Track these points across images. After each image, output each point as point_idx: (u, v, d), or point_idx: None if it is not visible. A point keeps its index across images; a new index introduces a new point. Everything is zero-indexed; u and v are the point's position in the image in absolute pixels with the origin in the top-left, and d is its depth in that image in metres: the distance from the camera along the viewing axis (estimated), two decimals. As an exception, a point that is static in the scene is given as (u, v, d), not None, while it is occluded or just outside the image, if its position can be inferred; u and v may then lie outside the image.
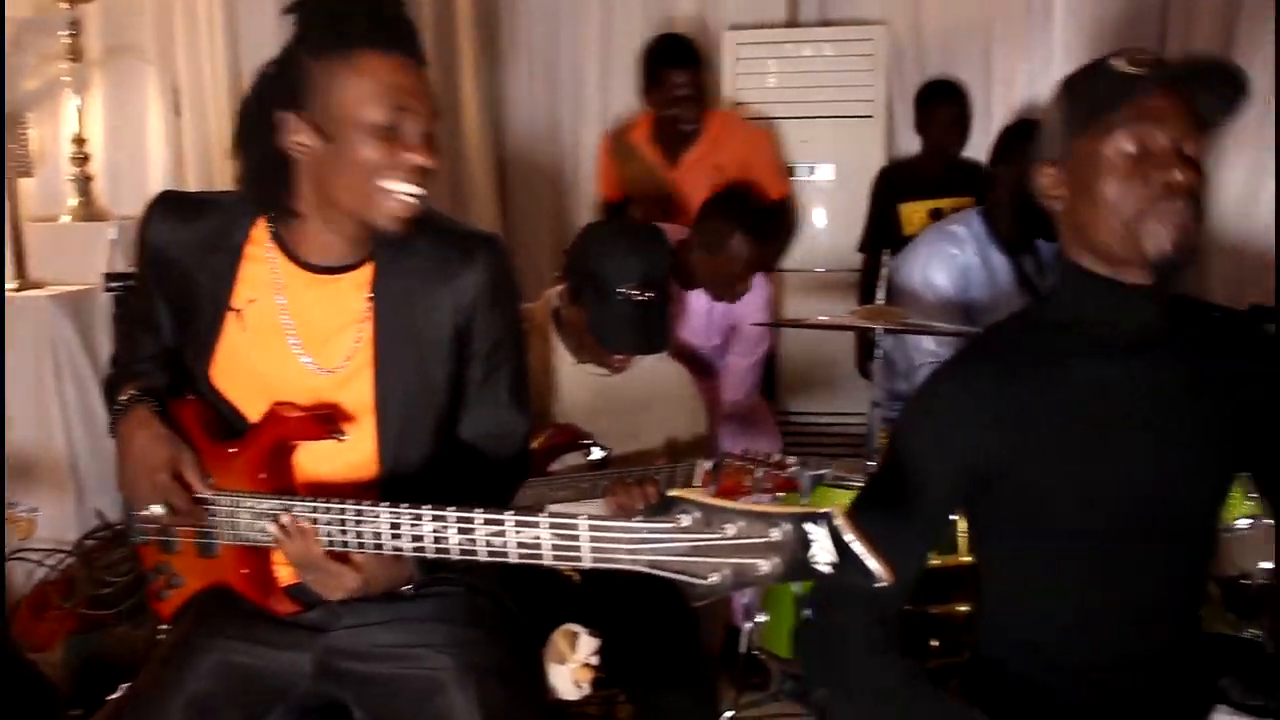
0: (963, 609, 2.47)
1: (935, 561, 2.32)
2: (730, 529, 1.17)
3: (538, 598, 1.83)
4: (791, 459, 1.74)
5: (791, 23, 4.26)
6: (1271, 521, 2.23)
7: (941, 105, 3.79)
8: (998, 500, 1.43)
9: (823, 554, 1.12)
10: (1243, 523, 2.24)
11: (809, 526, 1.12)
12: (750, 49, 4.13)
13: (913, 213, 3.73)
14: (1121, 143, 1.34)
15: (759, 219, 3.00)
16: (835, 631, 1.43)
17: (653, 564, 1.21)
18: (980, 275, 3.04)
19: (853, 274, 4.00)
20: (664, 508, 1.20)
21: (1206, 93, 1.37)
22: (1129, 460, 1.39)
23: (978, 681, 1.54)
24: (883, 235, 3.75)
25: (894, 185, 3.88)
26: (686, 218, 3.32)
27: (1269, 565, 2.47)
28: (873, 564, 1.09)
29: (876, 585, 1.07)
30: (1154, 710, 1.45)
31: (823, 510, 1.13)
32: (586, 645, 1.79)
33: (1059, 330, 1.43)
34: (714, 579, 1.18)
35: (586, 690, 1.79)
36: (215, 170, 3.85)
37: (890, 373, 3.00)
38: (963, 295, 3.01)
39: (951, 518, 1.50)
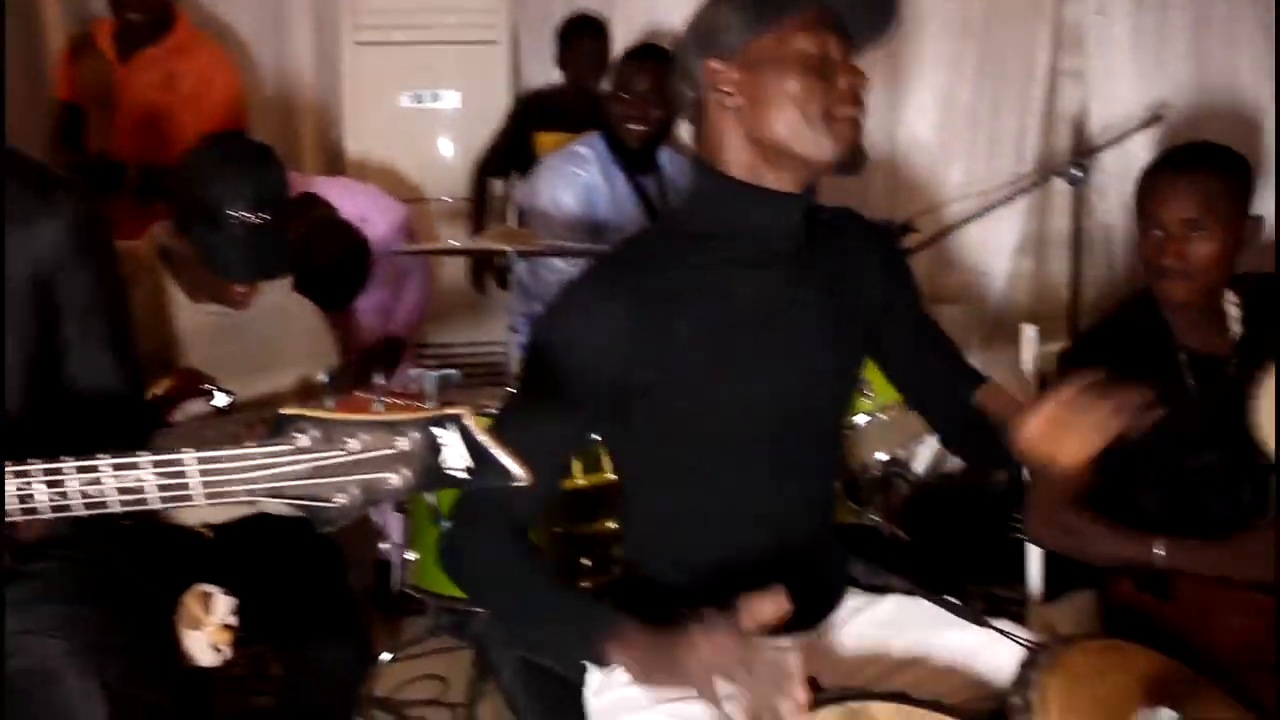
0: (612, 526, 2.52)
1: (581, 481, 2.34)
2: (353, 443, 1.07)
3: (162, 560, 1.69)
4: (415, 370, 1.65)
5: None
6: (886, 417, 2.44)
7: (582, 39, 3.79)
8: (639, 411, 1.42)
9: (456, 459, 1.05)
10: (861, 419, 2.41)
11: (438, 431, 1.05)
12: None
13: (548, 142, 3.71)
14: (804, 43, 1.35)
15: None
16: (472, 544, 1.39)
17: (272, 491, 1.09)
18: (604, 195, 3.10)
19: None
20: (278, 429, 1.08)
21: (858, 15, 1.40)
22: (768, 367, 1.42)
23: (629, 595, 1.54)
24: (514, 160, 3.72)
25: (532, 113, 3.85)
26: (127, 119, 3.20)
27: (884, 456, 2.70)
28: (509, 463, 1.03)
29: (515, 484, 1.02)
30: (798, 603, 1.50)
31: (451, 412, 1.06)
32: (222, 605, 1.65)
33: (696, 240, 1.42)
34: (341, 500, 1.09)
35: (227, 653, 1.65)
36: None
37: (526, 298, 2.98)
38: (589, 215, 3.06)
39: (593, 435, 1.48)
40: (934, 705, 1.20)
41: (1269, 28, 3.00)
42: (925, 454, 3.48)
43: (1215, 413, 1.90)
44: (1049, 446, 1.36)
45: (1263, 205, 2.72)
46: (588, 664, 1.40)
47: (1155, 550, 1.83)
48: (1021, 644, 1.38)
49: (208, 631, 1.64)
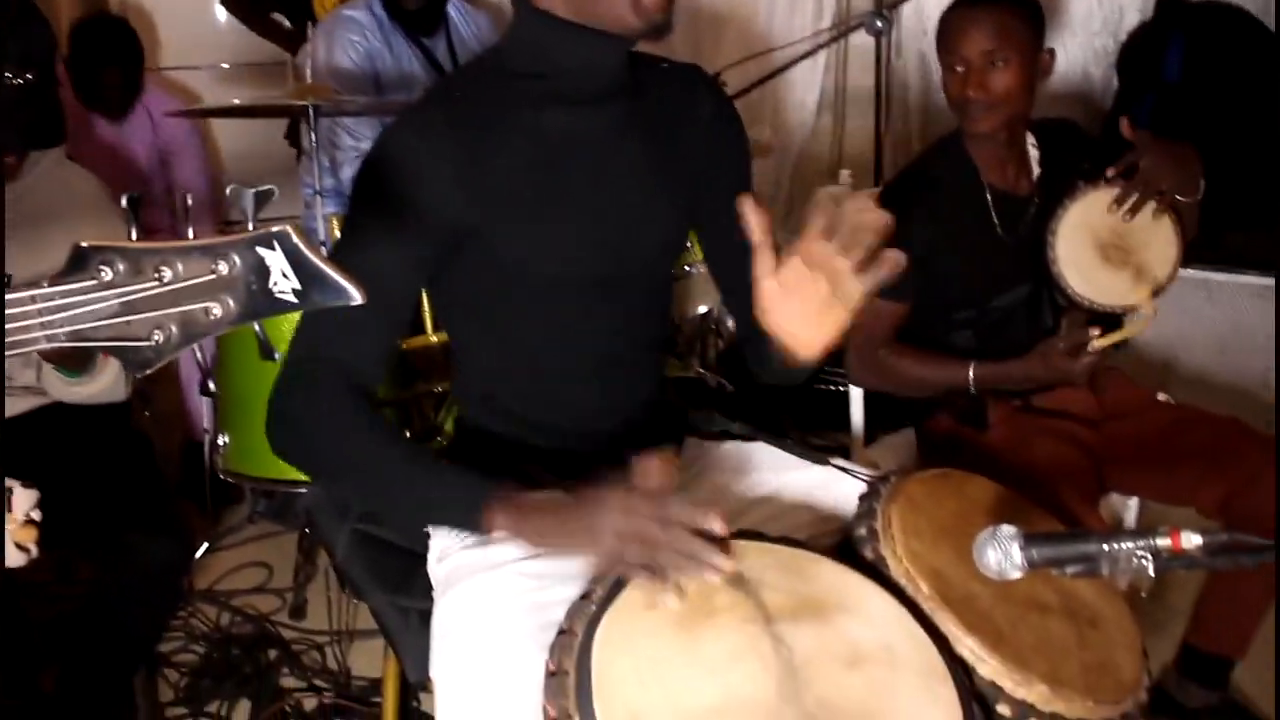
0: (437, 390, 2.47)
1: (403, 346, 2.28)
2: (167, 272, 0.96)
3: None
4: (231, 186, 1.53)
5: None
6: (701, 270, 2.44)
7: None
8: (463, 258, 1.36)
9: (284, 281, 0.97)
10: (679, 271, 2.41)
11: (263, 251, 0.95)
12: None
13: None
14: None
15: None
16: (312, 412, 1.28)
17: (75, 335, 0.98)
18: (387, 60, 2.93)
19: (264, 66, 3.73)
20: (77, 264, 0.98)
21: None
22: (592, 210, 1.38)
23: (464, 451, 1.50)
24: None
25: None
26: None
27: (705, 308, 2.73)
28: (342, 280, 0.96)
29: (352, 303, 0.95)
30: (634, 452, 1.50)
31: (275, 230, 0.97)
32: (23, 500, 1.50)
33: (518, 78, 1.36)
34: (158, 337, 0.98)
35: (34, 552, 1.52)
36: None
37: (317, 167, 2.83)
38: (372, 74, 2.90)
39: (420, 288, 1.40)
40: (785, 540, 1.21)
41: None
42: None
43: (1019, 251, 1.99)
44: (786, 325, 1.24)
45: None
46: (463, 530, 1.31)
47: (970, 372, 1.91)
48: (861, 478, 1.41)
49: (10, 530, 1.51)
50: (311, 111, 2.28)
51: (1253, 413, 2.85)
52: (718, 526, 1.06)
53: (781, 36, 3.35)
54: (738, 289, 1.55)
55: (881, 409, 2.23)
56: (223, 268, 0.96)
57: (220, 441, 2.58)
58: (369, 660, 2.27)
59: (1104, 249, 1.89)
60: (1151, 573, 0.97)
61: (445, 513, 1.21)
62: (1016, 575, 1.04)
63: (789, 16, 3.41)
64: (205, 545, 2.75)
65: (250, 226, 0.99)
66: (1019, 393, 1.99)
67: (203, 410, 2.67)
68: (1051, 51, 1.96)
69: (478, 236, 1.32)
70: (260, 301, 0.98)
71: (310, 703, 2.20)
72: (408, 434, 2.46)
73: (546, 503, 1.13)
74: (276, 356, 2.16)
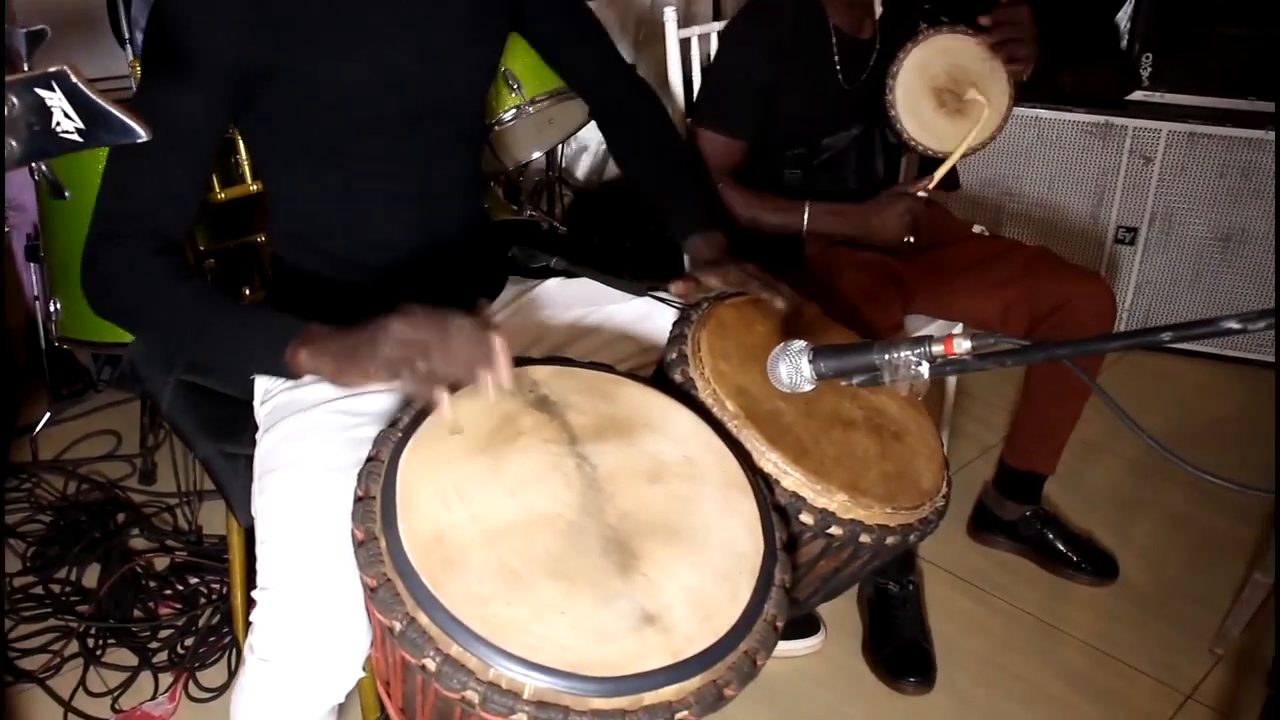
0: (260, 239, 2.42)
1: (221, 195, 2.22)
2: (-63, 115, 0.94)
3: None
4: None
5: None
6: (534, 110, 2.41)
7: None
8: (272, 99, 1.32)
9: (66, 121, 0.94)
10: (508, 115, 2.36)
11: (43, 92, 0.93)
12: None
13: None
14: None
15: None
16: (118, 264, 1.25)
17: None
18: None
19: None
20: None
21: None
22: (393, 44, 1.35)
23: (280, 291, 1.49)
24: None
25: None
26: None
27: (538, 155, 2.70)
28: (126, 119, 0.94)
29: (138, 142, 0.93)
30: (455, 292, 1.50)
31: (53, 69, 0.94)
32: None
33: None
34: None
35: None
36: None
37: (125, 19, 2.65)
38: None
39: (219, 132, 1.36)
40: (593, 365, 1.24)
41: None
42: (586, 161, 3.54)
43: (857, 93, 2.02)
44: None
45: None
46: (272, 375, 1.33)
47: (804, 215, 1.96)
48: (676, 307, 1.45)
49: None
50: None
51: (1080, 244, 3.02)
52: (498, 342, 1.08)
53: None
54: (583, 85, 1.69)
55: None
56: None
57: (52, 309, 2.51)
58: (221, 519, 2.27)
59: (939, 94, 1.93)
60: (926, 377, 1.04)
61: (252, 356, 1.20)
62: (808, 388, 1.10)
63: None
64: (46, 416, 2.68)
65: (26, 68, 0.94)
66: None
67: (33, 277, 2.56)
68: None
69: (277, 75, 1.29)
70: (44, 141, 0.96)
71: (161, 562, 2.20)
72: (249, 288, 2.43)
73: (343, 331, 1.13)
74: (67, 195, 2.08)
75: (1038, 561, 2.23)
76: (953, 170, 1.95)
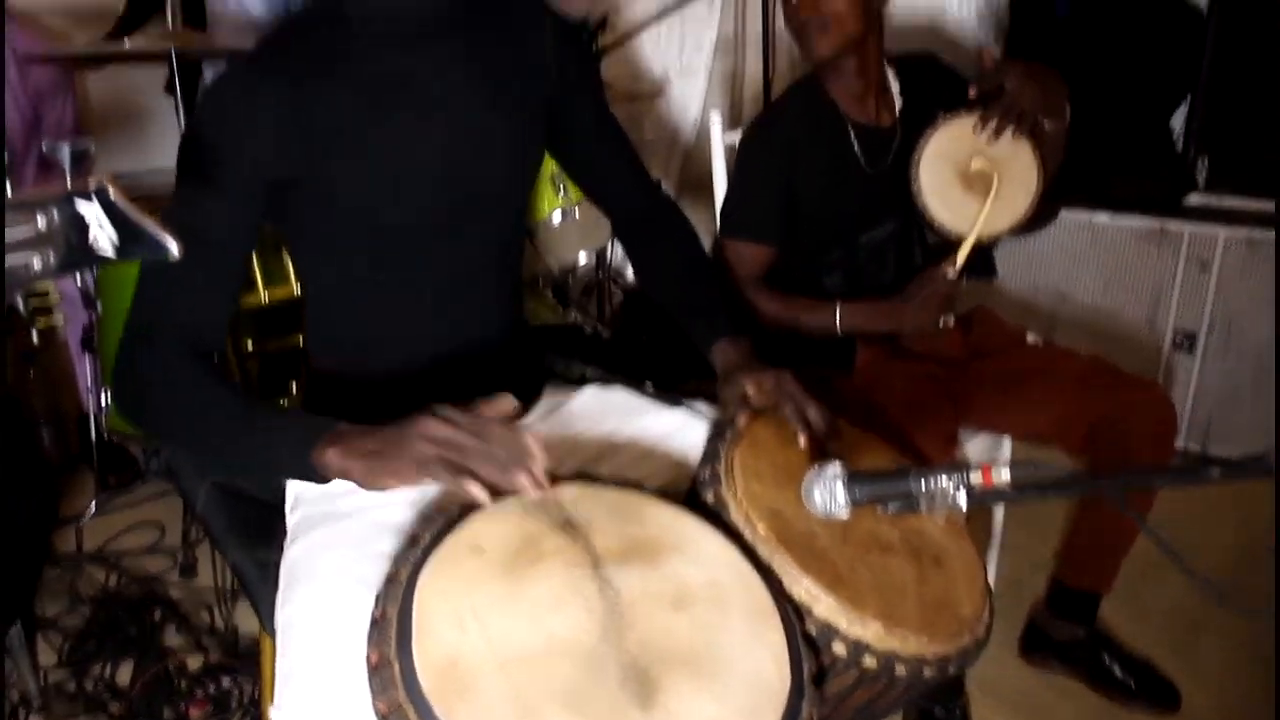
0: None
1: (266, 296, 2.25)
2: (-18, 227, 0.96)
3: None
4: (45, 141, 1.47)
5: None
6: (580, 214, 2.43)
7: None
8: (302, 209, 1.34)
9: (101, 234, 0.96)
10: (555, 217, 2.38)
11: (81, 205, 0.95)
12: None
13: None
14: None
15: None
16: (150, 369, 1.27)
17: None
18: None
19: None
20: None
21: None
22: (425, 149, 1.36)
23: (317, 399, 1.49)
24: None
25: None
26: None
27: (585, 258, 2.71)
28: (159, 234, 0.95)
29: (169, 259, 0.94)
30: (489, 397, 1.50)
31: (93, 183, 0.96)
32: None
33: (344, 22, 1.34)
34: (-25, 291, 0.97)
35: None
36: None
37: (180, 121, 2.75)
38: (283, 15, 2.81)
39: (251, 243, 1.38)
40: (622, 483, 1.21)
41: None
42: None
43: (884, 185, 2.01)
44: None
45: None
46: (300, 479, 1.29)
47: (835, 315, 1.94)
48: (710, 419, 1.43)
49: None
50: (173, 59, 2.21)
51: (1136, 351, 2.95)
52: (534, 446, 1.06)
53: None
54: (603, 196, 1.68)
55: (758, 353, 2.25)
56: (42, 222, 0.96)
57: (104, 401, 2.55)
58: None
59: (966, 177, 1.91)
60: (964, 507, 1.00)
61: (280, 456, 1.17)
62: (843, 514, 1.07)
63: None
64: (93, 506, 2.70)
65: (68, 183, 0.97)
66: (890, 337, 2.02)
67: (87, 368, 2.60)
68: None
69: (309, 182, 1.31)
70: (79, 254, 0.97)
71: (196, 661, 2.18)
72: (295, 387, 2.45)
73: (372, 430, 1.11)
74: (98, 307, 2.13)
75: (1093, 687, 2.12)
76: (989, 257, 1.92)
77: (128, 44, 2.38)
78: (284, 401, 2.32)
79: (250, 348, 2.37)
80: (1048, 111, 1.86)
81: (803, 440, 1.32)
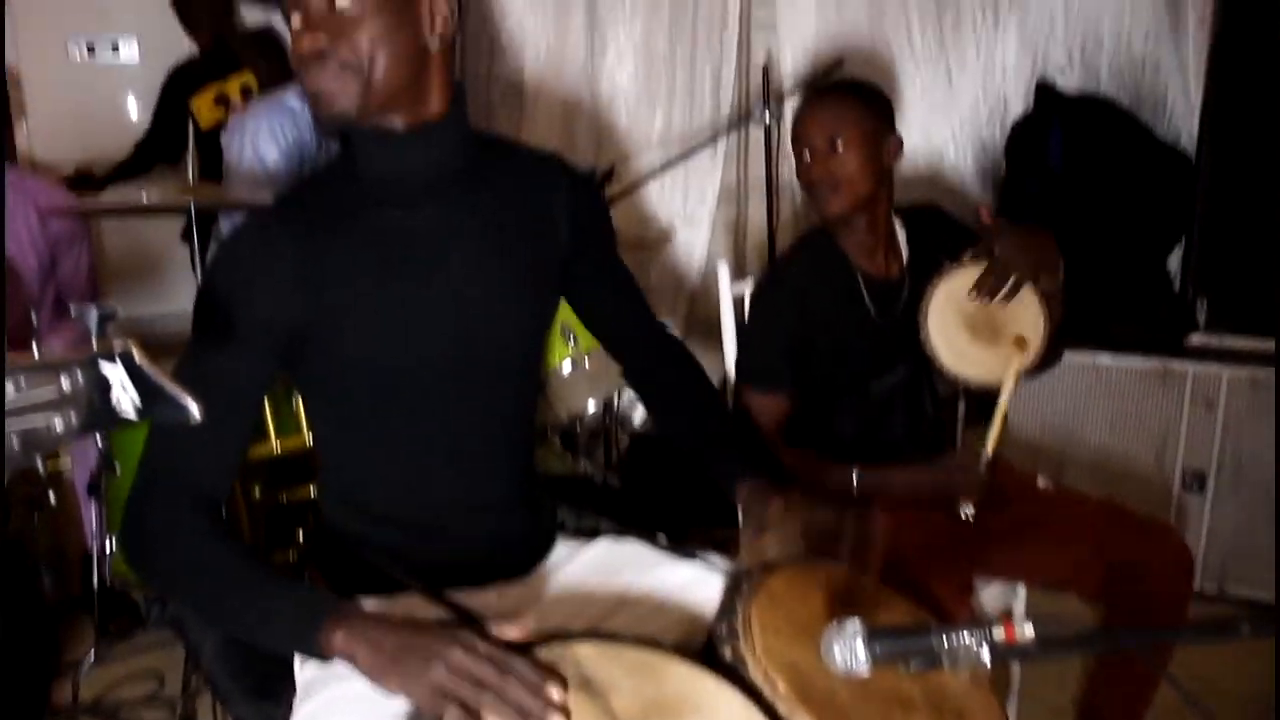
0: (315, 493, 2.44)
1: (278, 447, 2.25)
2: (10, 388, 0.97)
3: None
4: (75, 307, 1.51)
5: None
6: (589, 364, 2.45)
7: None
8: (312, 361, 1.36)
9: (124, 395, 0.97)
10: (565, 367, 2.40)
11: (106, 367, 0.97)
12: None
13: (201, 105, 3.50)
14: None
15: None
16: (156, 524, 1.27)
17: (-88, 448, 0.97)
18: (314, 151, 2.93)
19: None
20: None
21: None
22: (438, 303, 1.38)
23: (325, 552, 1.48)
24: (178, 137, 3.55)
25: (183, 83, 3.64)
26: None
27: (594, 406, 2.72)
28: (180, 396, 0.97)
29: (190, 423, 0.95)
30: (501, 552, 1.49)
31: (117, 346, 0.98)
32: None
33: (353, 181, 1.39)
34: (-5, 451, 0.98)
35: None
36: None
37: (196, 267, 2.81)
38: (298, 171, 2.89)
39: (263, 394, 1.39)
40: (640, 641, 1.19)
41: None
42: (642, 406, 3.57)
43: (893, 334, 2.04)
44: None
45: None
46: (304, 655, 1.25)
47: (853, 477, 1.94)
48: (725, 571, 1.42)
49: None
50: (192, 212, 2.27)
51: (1146, 491, 2.94)
52: (556, 695, 1.04)
53: (681, 129, 3.44)
54: (616, 343, 1.71)
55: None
56: (65, 384, 0.97)
57: (109, 547, 2.53)
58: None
59: (973, 326, 1.93)
60: (988, 664, 0.99)
61: (283, 633, 1.17)
62: (864, 672, 1.05)
63: (687, 108, 3.50)
64: (91, 656, 2.65)
65: (94, 344, 0.99)
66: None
67: (92, 514, 2.59)
68: (899, 137, 2.04)
69: (318, 336, 1.33)
70: (101, 415, 0.99)
71: (193, 820, 2.12)
72: (301, 535, 2.43)
73: (387, 626, 1.09)
74: (117, 470, 2.13)
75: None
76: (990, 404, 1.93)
77: (145, 198, 2.45)
78: (291, 553, 2.30)
79: (259, 497, 2.37)
80: (1042, 275, 1.89)
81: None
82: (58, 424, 0.98)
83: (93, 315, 0.97)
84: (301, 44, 1.28)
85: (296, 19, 1.30)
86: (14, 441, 0.99)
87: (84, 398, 0.98)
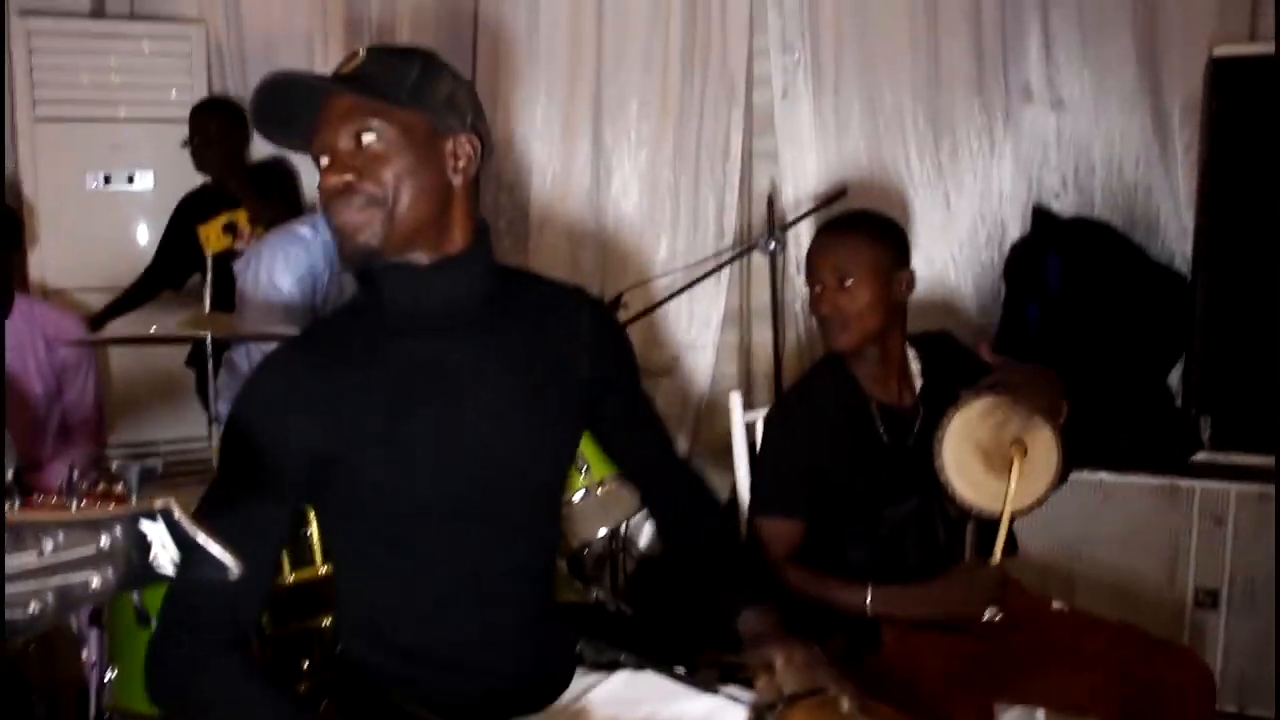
0: (328, 622, 2.40)
1: (291, 577, 2.23)
2: (48, 544, 0.97)
3: None
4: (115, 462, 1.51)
5: (98, 13, 3.91)
6: (600, 493, 2.45)
7: (209, 120, 3.69)
8: (335, 490, 1.38)
9: (163, 552, 0.98)
10: (577, 496, 2.41)
11: (146, 525, 0.98)
12: (49, 40, 3.73)
13: (209, 232, 3.57)
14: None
15: None
16: (187, 661, 1.27)
17: (-54, 603, 0.97)
18: (327, 280, 2.97)
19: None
20: (-44, 536, 0.97)
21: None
22: (451, 439, 1.40)
23: (342, 684, 1.47)
24: (185, 263, 3.64)
25: (192, 210, 3.73)
26: None
27: (604, 532, 2.71)
28: (221, 553, 0.98)
29: (229, 579, 0.96)
30: (520, 685, 1.49)
31: (158, 504, 0.99)
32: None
33: (376, 315, 1.42)
34: (34, 608, 0.98)
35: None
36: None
37: (236, 387, 2.83)
38: (310, 300, 2.92)
39: (287, 531, 1.40)
40: None
41: (930, 110, 3.33)
42: (649, 529, 3.56)
43: (906, 462, 2.05)
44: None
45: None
46: None
47: (867, 599, 1.93)
48: (746, 704, 1.42)
49: None
50: (208, 343, 2.29)
51: (1159, 609, 2.91)
52: None
53: (685, 256, 3.49)
54: (636, 472, 1.75)
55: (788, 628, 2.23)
56: (105, 541, 0.98)
57: (108, 677, 2.48)
58: None
59: (988, 456, 1.94)
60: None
61: None
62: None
63: (691, 235, 3.56)
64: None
65: (133, 500, 1.00)
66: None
67: (93, 641, 2.55)
68: (911, 272, 2.07)
69: (342, 466, 1.34)
70: (140, 573, 0.99)
71: None
72: (305, 662, 2.39)
73: None
74: (152, 623, 2.11)
75: None
76: (1011, 534, 1.94)
77: (155, 329, 2.48)
78: (302, 686, 2.26)
79: (269, 629, 2.34)
80: (1045, 412, 1.92)
81: (845, 704, 1.30)
82: (95, 581, 0.98)
83: (134, 471, 0.98)
84: (329, 180, 1.33)
85: (325, 159, 1.34)
86: (49, 598, 0.99)
87: (123, 555, 0.98)
